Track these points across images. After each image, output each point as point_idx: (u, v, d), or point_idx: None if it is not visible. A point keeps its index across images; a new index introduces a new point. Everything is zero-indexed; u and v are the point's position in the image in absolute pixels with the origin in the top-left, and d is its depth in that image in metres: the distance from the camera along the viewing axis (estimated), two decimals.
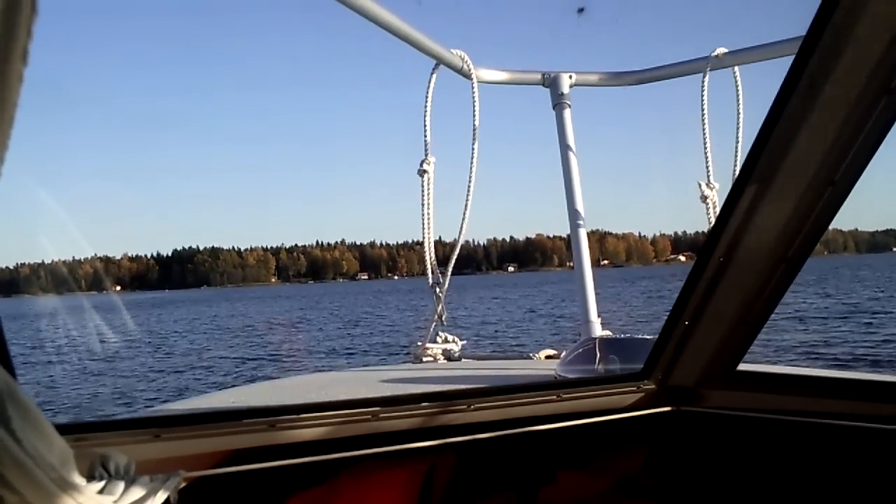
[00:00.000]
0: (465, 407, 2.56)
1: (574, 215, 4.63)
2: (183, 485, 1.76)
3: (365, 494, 2.54)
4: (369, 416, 2.40)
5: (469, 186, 4.50)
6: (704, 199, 4.37)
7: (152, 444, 2.05)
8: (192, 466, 1.95)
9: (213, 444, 2.18)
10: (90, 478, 1.55)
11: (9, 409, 1.25)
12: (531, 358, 4.56)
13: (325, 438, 2.33)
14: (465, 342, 4.79)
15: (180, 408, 3.16)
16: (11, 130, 0.98)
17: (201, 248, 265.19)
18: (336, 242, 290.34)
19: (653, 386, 2.81)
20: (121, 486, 1.57)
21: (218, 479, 2.15)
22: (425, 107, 4.46)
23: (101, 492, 1.51)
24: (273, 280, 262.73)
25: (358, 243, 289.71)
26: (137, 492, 1.59)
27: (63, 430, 1.39)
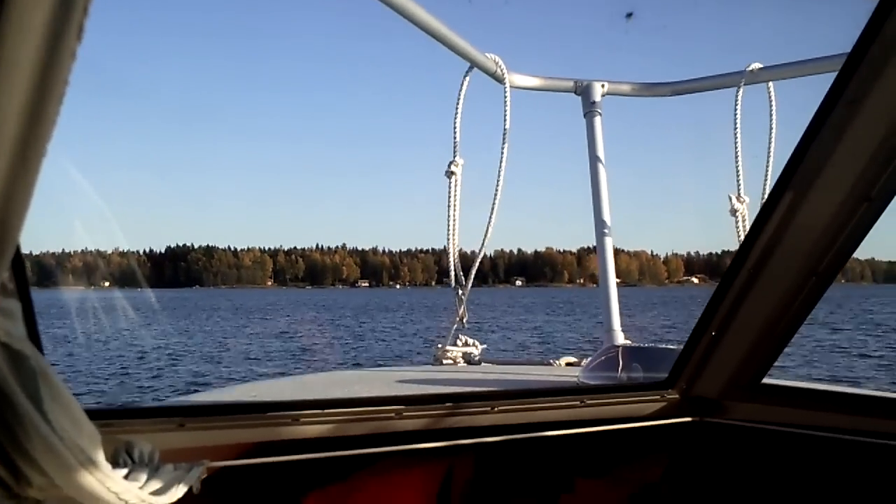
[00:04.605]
0: (488, 409, 2.55)
1: (600, 225, 4.63)
2: (206, 475, 1.76)
3: (384, 492, 2.54)
4: (392, 414, 2.40)
5: (496, 191, 4.49)
6: (734, 212, 4.35)
7: (177, 433, 2.06)
8: (215, 457, 1.96)
9: (236, 435, 2.18)
10: (115, 464, 1.55)
11: (41, 390, 1.26)
12: (551, 364, 4.55)
13: (348, 435, 2.34)
14: (484, 346, 4.78)
15: (205, 399, 3.18)
16: (61, 107, 0.98)
17: (196, 246, 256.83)
18: (337, 247, 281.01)
19: (676, 396, 2.80)
20: (145, 473, 1.58)
21: (240, 470, 2.16)
22: (456, 109, 4.46)
23: (126, 478, 1.52)
24: (269, 283, 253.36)
25: (359, 249, 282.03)
26: (161, 480, 1.60)
27: (90, 415, 1.40)
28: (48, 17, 0.89)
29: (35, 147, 0.98)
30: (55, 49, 0.92)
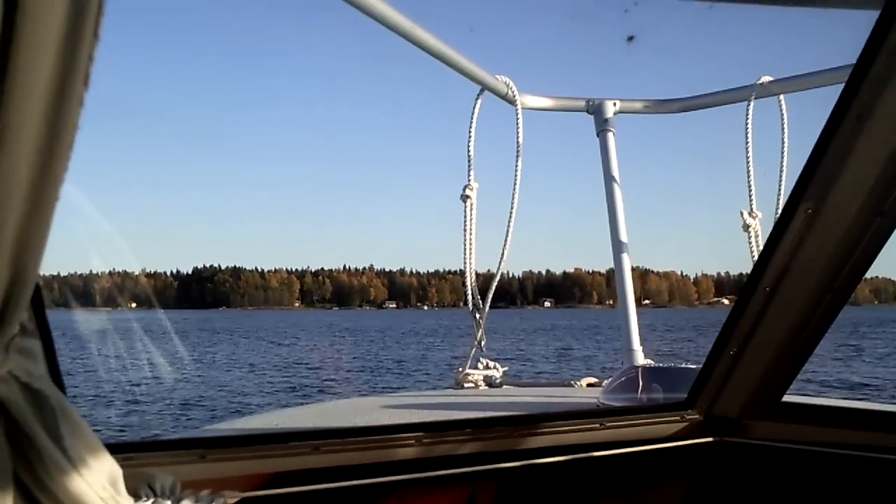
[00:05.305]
0: (508, 434, 2.55)
1: (617, 244, 4.61)
2: None
3: None
4: (413, 442, 2.40)
5: (511, 212, 4.51)
6: (747, 228, 4.32)
7: (198, 464, 2.07)
8: (236, 488, 1.97)
9: (257, 465, 2.19)
10: (136, 497, 1.57)
11: (61, 427, 1.28)
12: (573, 385, 4.54)
13: (369, 463, 2.34)
14: (506, 368, 4.77)
15: (225, 428, 3.19)
16: (71, 153, 1.01)
17: (223, 266, 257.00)
18: (364, 268, 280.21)
19: (697, 416, 2.78)
20: None
21: (261, 500, 2.16)
22: (469, 132, 4.48)
23: None
24: (296, 304, 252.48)
25: (387, 270, 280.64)
26: None
27: (111, 449, 1.41)
28: (56, 66, 0.92)
29: (48, 193, 1.00)
30: (63, 97, 0.94)
